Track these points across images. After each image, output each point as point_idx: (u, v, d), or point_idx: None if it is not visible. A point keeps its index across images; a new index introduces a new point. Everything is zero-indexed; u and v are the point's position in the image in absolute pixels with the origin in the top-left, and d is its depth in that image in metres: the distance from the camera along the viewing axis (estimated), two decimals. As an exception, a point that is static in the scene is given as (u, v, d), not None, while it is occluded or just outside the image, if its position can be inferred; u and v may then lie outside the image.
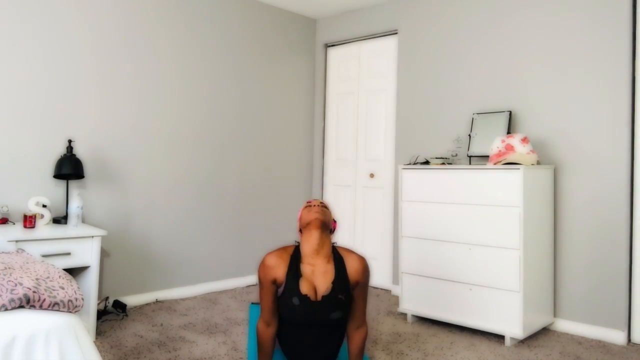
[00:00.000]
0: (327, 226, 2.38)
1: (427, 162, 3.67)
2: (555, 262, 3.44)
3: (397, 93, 4.35)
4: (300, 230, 2.44)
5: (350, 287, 2.32)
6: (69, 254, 2.92)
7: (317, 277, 2.30)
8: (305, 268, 2.32)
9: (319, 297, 2.28)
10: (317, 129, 5.02)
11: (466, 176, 3.31)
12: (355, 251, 2.55)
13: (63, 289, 1.82)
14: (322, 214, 2.37)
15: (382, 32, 4.50)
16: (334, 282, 2.29)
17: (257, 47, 4.55)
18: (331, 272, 2.31)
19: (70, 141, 3.31)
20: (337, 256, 2.36)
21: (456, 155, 3.85)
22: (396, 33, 4.44)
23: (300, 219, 2.43)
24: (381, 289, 4.46)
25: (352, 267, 2.34)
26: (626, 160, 3.20)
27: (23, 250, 2.41)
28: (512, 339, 3.12)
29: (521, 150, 3.23)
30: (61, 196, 3.40)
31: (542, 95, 3.52)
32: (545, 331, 3.38)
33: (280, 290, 2.31)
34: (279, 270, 2.30)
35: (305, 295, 2.26)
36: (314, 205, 2.41)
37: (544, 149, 3.50)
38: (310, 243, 2.33)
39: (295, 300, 2.26)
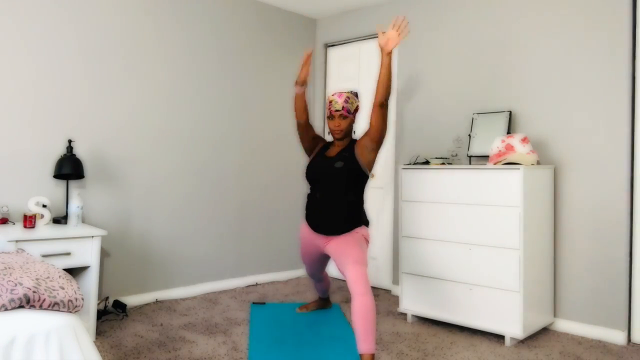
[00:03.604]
0: (347, 117, 3.04)
1: (427, 162, 3.67)
2: (555, 262, 3.44)
3: (397, 93, 4.34)
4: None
5: (357, 158, 2.98)
6: (69, 254, 2.92)
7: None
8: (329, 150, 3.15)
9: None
10: (317, 129, 5.02)
11: (466, 176, 3.31)
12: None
13: (63, 289, 1.82)
14: (341, 123, 3.03)
15: (382, 32, 4.50)
16: (341, 151, 3.05)
17: (257, 47, 4.55)
18: (342, 145, 3.10)
19: (70, 141, 3.31)
20: (351, 141, 3.09)
21: (456, 155, 3.85)
22: (396, 33, 4.43)
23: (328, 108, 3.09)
24: (381, 289, 4.46)
25: (359, 137, 3.10)
26: (626, 160, 3.20)
27: (23, 250, 2.41)
28: (512, 339, 3.12)
29: (521, 150, 3.23)
30: (61, 196, 3.40)
31: (542, 95, 3.52)
32: (545, 331, 3.38)
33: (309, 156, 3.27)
34: (318, 143, 3.28)
35: (324, 156, 3.12)
36: (334, 117, 3.04)
37: (544, 149, 3.50)
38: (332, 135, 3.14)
39: (317, 158, 3.12)
